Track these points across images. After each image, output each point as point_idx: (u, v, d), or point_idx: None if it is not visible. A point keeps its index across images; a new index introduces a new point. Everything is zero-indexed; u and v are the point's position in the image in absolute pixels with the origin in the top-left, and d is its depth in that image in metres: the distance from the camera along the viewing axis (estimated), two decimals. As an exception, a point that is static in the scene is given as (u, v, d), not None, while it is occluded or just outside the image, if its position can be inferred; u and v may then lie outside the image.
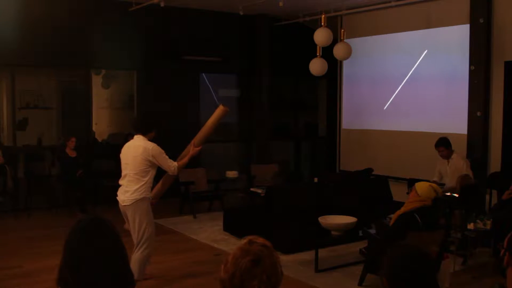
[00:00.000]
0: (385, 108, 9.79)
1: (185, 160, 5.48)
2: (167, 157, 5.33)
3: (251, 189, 8.30)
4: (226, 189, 9.22)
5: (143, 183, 5.26)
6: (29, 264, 6.09)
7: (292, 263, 6.17)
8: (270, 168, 9.70)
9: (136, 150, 5.27)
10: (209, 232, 7.64)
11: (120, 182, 5.38)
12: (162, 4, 8.61)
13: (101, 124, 10.49)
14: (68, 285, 2.04)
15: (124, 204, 5.29)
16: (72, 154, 8.82)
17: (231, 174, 9.44)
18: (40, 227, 7.90)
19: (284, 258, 6.26)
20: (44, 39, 9.01)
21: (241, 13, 9.58)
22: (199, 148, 5.51)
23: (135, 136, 5.41)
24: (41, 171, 9.21)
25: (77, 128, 9.63)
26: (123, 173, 5.36)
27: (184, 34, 10.36)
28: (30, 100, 9.64)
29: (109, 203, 9.07)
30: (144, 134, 5.34)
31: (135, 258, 5.26)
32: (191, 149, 5.50)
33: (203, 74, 10.94)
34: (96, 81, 10.23)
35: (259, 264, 1.85)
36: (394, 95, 9.61)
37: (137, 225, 5.29)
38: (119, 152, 5.43)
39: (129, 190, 5.27)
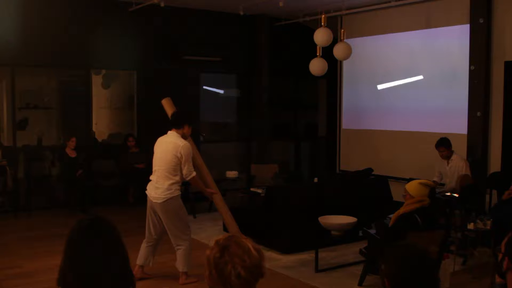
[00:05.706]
0: (385, 107, 9.78)
1: (201, 184, 5.58)
2: (191, 162, 5.33)
3: (251, 189, 8.29)
4: (226, 189, 9.21)
5: (173, 181, 5.25)
6: (29, 264, 6.09)
7: (292, 263, 6.17)
8: (270, 168, 9.69)
9: (167, 146, 5.27)
10: (209, 232, 7.64)
11: (151, 177, 5.38)
12: (162, 4, 8.62)
13: (101, 124, 10.48)
14: (68, 285, 2.04)
15: (156, 201, 5.29)
16: (72, 154, 8.82)
17: (231, 174, 9.43)
18: (40, 227, 7.89)
19: (284, 258, 6.27)
20: (44, 39, 9.00)
21: (241, 13, 9.57)
22: (209, 194, 5.76)
23: (169, 132, 5.41)
24: (41, 171, 9.20)
25: (77, 128, 9.61)
26: (153, 168, 5.37)
27: (184, 34, 10.35)
28: (30, 100, 9.63)
29: (109, 203, 9.14)
30: (176, 128, 5.35)
31: (179, 254, 5.40)
32: (209, 190, 5.71)
33: (203, 74, 10.93)
34: (96, 81, 10.22)
35: (226, 251, 1.91)
36: (394, 95, 9.61)
37: (171, 223, 5.33)
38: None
39: (160, 187, 5.26)
